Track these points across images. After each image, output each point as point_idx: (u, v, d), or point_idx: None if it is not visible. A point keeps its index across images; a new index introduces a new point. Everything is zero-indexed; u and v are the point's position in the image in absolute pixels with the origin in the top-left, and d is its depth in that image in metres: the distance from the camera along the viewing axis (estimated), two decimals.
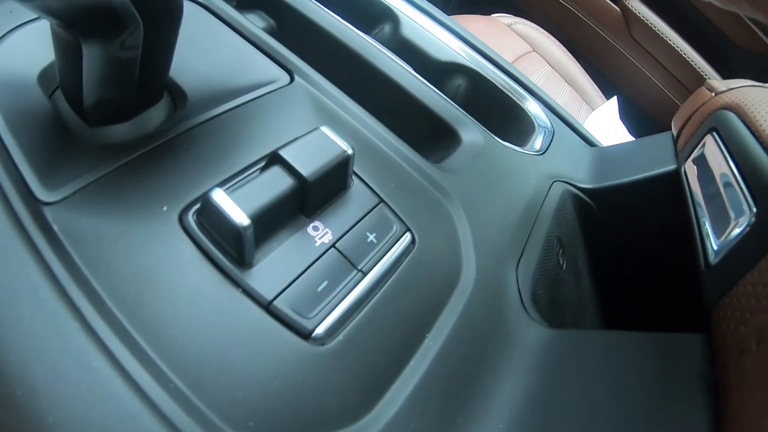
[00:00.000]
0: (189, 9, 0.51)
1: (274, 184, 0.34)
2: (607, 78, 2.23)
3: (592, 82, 1.93)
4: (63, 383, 0.27)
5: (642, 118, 2.18)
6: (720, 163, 0.51)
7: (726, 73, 2.05)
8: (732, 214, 0.45)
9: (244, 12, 0.67)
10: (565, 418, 0.37)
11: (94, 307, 0.29)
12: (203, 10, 0.53)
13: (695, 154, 0.59)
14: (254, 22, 0.64)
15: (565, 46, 1.96)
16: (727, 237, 0.44)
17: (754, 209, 0.42)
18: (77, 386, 0.27)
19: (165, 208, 0.34)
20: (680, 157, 0.64)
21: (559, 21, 2.23)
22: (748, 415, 0.29)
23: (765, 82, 1.30)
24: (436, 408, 0.36)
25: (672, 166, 0.64)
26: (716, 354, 0.35)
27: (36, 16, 0.42)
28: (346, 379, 0.33)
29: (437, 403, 0.36)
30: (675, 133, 0.71)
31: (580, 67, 1.93)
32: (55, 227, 0.32)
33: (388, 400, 0.34)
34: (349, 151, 0.38)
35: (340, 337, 0.34)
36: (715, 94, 0.65)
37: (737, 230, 0.42)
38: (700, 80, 1.98)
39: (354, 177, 0.43)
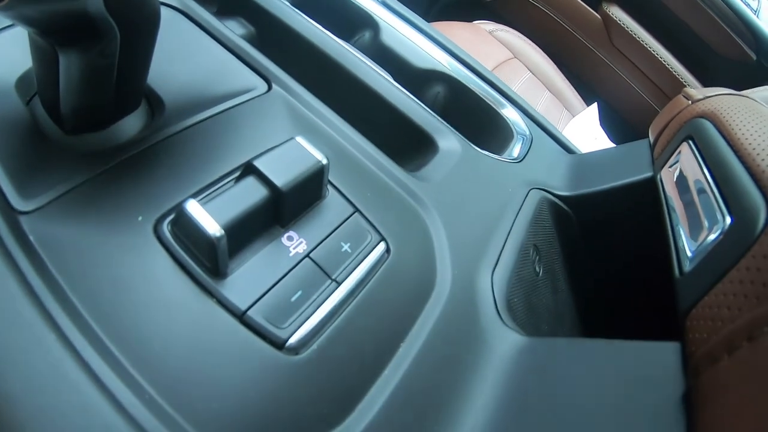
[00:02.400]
0: (167, 15, 0.51)
1: (249, 195, 0.35)
2: (587, 85, 2.25)
3: (573, 89, 1.94)
4: (41, 395, 0.27)
5: (622, 124, 2.19)
6: (695, 171, 0.52)
7: (705, 80, 2.07)
8: (706, 223, 0.45)
9: (224, 18, 0.67)
10: (537, 426, 0.37)
11: (71, 319, 0.29)
12: (182, 16, 0.53)
13: (671, 161, 0.60)
14: (234, 29, 0.64)
15: (547, 53, 1.98)
16: (700, 245, 0.44)
17: (728, 218, 0.42)
18: (55, 398, 0.27)
19: (140, 218, 0.35)
20: (656, 165, 0.64)
21: (541, 28, 2.25)
22: (720, 424, 0.30)
23: (744, 88, 1.31)
24: (410, 416, 0.36)
25: (648, 174, 0.65)
26: (689, 362, 0.36)
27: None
28: (320, 389, 0.34)
29: (411, 412, 0.36)
30: (652, 141, 0.71)
31: (561, 74, 1.95)
32: (32, 237, 0.32)
33: (363, 408, 0.34)
34: (324, 162, 0.38)
35: (314, 346, 0.35)
36: (692, 102, 0.66)
37: (711, 239, 0.43)
38: (679, 87, 2.00)
39: (329, 186, 0.43)
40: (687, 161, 0.55)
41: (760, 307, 0.32)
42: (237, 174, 0.39)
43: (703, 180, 0.49)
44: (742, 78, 1.96)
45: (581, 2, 2.15)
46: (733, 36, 2.01)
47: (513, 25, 2.01)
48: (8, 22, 0.42)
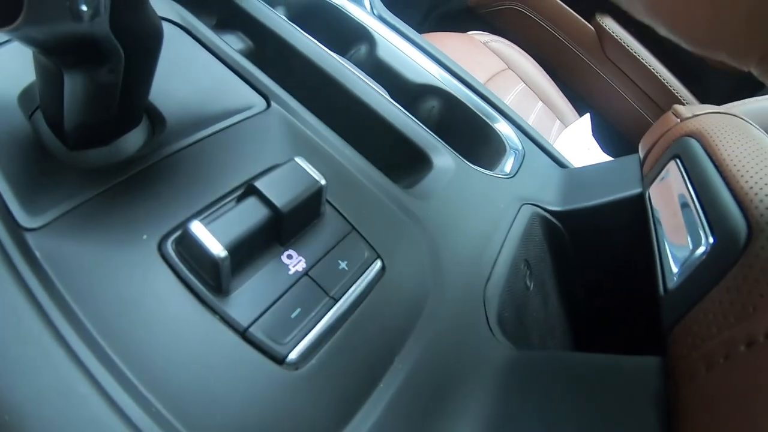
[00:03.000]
0: (168, 31, 0.51)
1: (250, 215, 0.36)
2: (580, 95, 2.26)
3: (566, 100, 1.95)
4: (50, 409, 0.27)
5: (614, 135, 2.20)
6: (681, 190, 0.52)
7: (698, 92, 2.08)
8: (690, 242, 0.46)
9: (223, 32, 0.68)
10: None
11: (78, 334, 0.30)
12: (183, 32, 0.53)
13: (659, 179, 0.61)
14: (232, 43, 0.65)
15: (540, 64, 1.99)
16: (684, 264, 0.44)
17: (710, 238, 0.43)
18: (64, 412, 0.27)
19: (145, 237, 0.35)
20: (645, 181, 0.65)
21: (534, 39, 2.25)
22: None
23: (735, 99, 1.32)
24: (404, 427, 0.37)
25: (638, 190, 0.66)
26: (670, 378, 0.37)
27: None
28: (318, 402, 0.35)
29: (405, 424, 0.37)
30: (642, 157, 0.72)
31: (554, 85, 1.96)
32: (38, 254, 0.32)
33: (358, 421, 0.35)
34: (322, 182, 0.39)
35: (313, 361, 0.36)
36: (681, 120, 0.66)
37: (694, 258, 0.43)
38: (671, 98, 2.02)
39: (327, 205, 0.44)
40: (674, 180, 0.56)
41: (737, 326, 0.33)
42: (238, 193, 0.40)
43: (689, 199, 0.50)
44: (734, 89, 1.98)
45: (575, 13, 2.17)
46: None
47: (507, 36, 2.02)
48: (8, 37, 0.43)
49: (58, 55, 0.30)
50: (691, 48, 0.30)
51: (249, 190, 0.38)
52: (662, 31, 0.31)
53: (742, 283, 0.36)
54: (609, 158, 1.52)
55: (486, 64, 1.72)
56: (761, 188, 0.42)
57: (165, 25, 0.49)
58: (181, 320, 0.33)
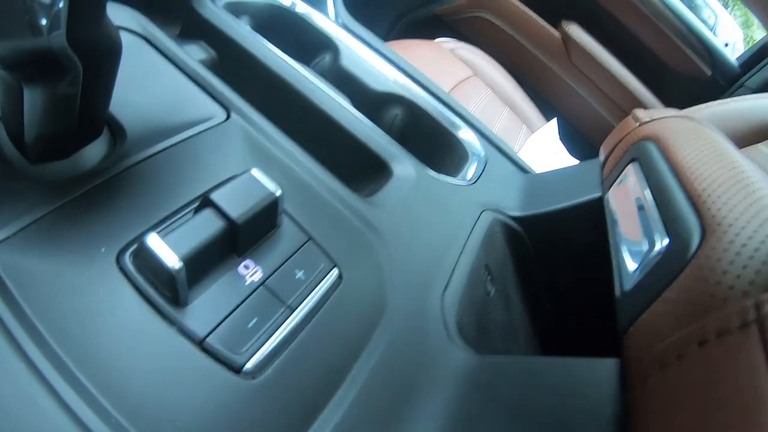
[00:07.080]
0: (129, 41, 0.52)
1: (206, 227, 0.36)
2: (547, 101, 2.28)
3: (533, 106, 1.97)
4: (11, 421, 0.27)
5: (581, 139, 2.23)
6: (639, 193, 0.53)
7: (662, 96, 2.12)
8: (646, 244, 0.46)
9: (186, 42, 0.68)
10: None
11: (39, 348, 0.30)
12: (144, 42, 0.53)
13: (618, 182, 0.62)
14: (195, 53, 0.65)
15: (507, 71, 2.00)
16: (640, 266, 0.45)
17: (665, 240, 0.44)
18: (25, 425, 0.28)
19: (103, 250, 0.35)
20: (605, 185, 0.66)
21: (501, 46, 2.28)
22: None
23: (698, 103, 1.34)
24: None
25: (597, 194, 0.67)
26: (626, 378, 0.37)
27: None
28: (276, 411, 0.35)
29: (364, 431, 0.37)
30: (602, 160, 0.73)
31: (521, 91, 1.98)
32: None
33: (317, 428, 0.36)
34: (278, 193, 0.40)
35: (270, 370, 0.36)
36: (639, 125, 0.67)
37: (649, 260, 0.44)
38: (635, 103, 2.05)
39: (284, 215, 0.44)
40: (632, 183, 0.57)
41: (690, 326, 0.34)
42: (195, 204, 0.40)
43: (645, 201, 0.51)
44: (697, 94, 2.01)
45: (541, 21, 2.19)
46: (689, 53, 2.05)
47: (474, 43, 2.04)
48: None
49: (16, 69, 0.30)
50: None
51: (205, 202, 0.38)
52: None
53: (693, 283, 0.36)
54: (576, 162, 1.53)
55: (453, 71, 1.73)
56: (714, 190, 0.42)
57: (125, 34, 0.49)
58: (139, 332, 0.33)
